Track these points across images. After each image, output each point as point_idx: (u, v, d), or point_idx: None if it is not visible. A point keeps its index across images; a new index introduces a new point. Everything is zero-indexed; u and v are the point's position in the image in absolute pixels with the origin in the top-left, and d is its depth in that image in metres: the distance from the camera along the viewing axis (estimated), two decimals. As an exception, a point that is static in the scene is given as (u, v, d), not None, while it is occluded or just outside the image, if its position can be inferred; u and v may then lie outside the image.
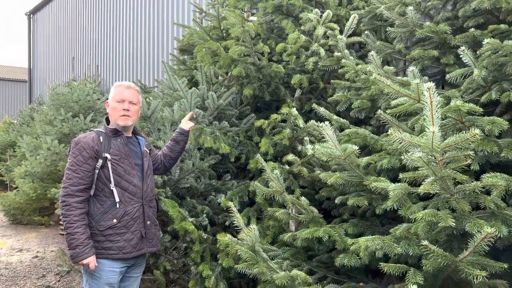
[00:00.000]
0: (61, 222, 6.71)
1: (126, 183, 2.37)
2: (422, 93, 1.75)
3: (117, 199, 2.33)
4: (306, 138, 2.97)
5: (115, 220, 2.32)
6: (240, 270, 2.23)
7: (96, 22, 11.81)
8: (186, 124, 2.85)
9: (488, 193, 1.82)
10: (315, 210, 2.47)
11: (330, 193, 2.65)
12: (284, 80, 3.78)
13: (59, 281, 4.59)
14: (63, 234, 6.60)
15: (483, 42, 2.29)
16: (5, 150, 10.80)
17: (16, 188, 7.83)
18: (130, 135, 2.56)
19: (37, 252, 5.75)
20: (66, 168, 2.33)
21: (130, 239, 2.35)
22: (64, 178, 2.33)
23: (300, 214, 2.53)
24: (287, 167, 3.03)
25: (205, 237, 3.02)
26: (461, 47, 2.33)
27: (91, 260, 2.25)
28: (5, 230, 7.09)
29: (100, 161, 2.34)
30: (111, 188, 2.33)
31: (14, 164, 8.45)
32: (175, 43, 6.62)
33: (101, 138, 2.39)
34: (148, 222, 2.44)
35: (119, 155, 2.39)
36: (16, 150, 8.93)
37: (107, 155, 2.35)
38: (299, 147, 3.15)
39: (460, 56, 2.35)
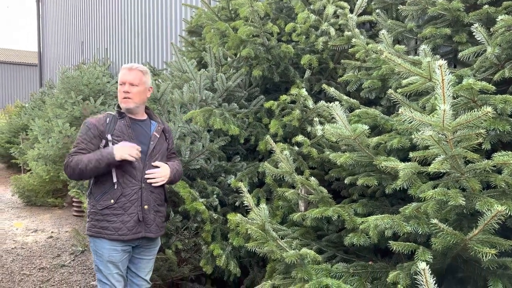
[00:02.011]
0: (74, 204, 6.84)
1: (126, 165, 2.39)
2: (434, 71, 1.73)
3: (114, 180, 2.37)
4: (316, 119, 2.96)
5: (112, 201, 2.36)
6: (250, 249, 2.26)
7: (104, 5, 11.75)
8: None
9: (499, 172, 1.80)
10: (325, 190, 2.48)
11: (340, 174, 2.66)
12: (293, 60, 3.74)
13: (73, 260, 4.70)
14: (76, 215, 6.75)
15: (497, 19, 2.24)
16: (17, 133, 10.96)
17: (29, 170, 7.97)
18: (143, 117, 2.57)
19: (52, 232, 5.88)
20: (73, 146, 2.44)
21: (126, 221, 2.37)
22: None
23: (309, 194, 2.55)
24: (296, 148, 3.03)
25: (215, 217, 3.05)
26: (474, 25, 2.28)
27: (121, 144, 2.35)
28: (20, 212, 7.25)
29: (104, 142, 2.41)
30: (111, 168, 2.37)
31: (27, 147, 8.58)
32: (184, 25, 6.58)
33: (107, 119, 2.46)
34: (146, 207, 2.42)
35: (121, 137, 2.42)
36: (28, 133, 9.06)
37: (108, 135, 2.40)
38: (309, 128, 3.14)
39: (473, 33, 2.31)
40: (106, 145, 2.40)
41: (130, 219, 2.38)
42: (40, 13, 16.66)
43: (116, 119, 2.47)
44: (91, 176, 2.40)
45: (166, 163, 2.56)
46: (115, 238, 2.36)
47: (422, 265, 1.35)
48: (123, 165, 2.38)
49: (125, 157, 2.30)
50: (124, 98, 2.45)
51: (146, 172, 2.45)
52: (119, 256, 2.40)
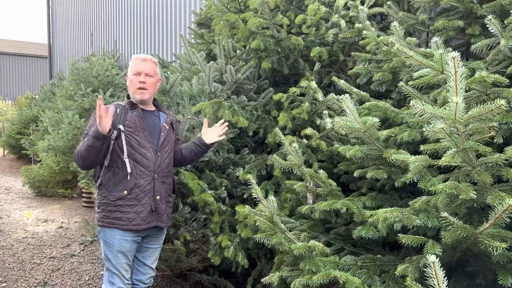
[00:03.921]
0: (83, 195, 6.91)
1: (139, 155, 2.40)
2: (447, 63, 1.71)
3: (128, 170, 2.37)
4: (325, 112, 2.95)
5: (125, 192, 2.37)
6: (258, 241, 2.27)
7: (113, -4, 11.76)
8: (208, 136, 2.71)
9: (511, 165, 1.78)
10: (334, 183, 2.47)
11: (349, 167, 2.65)
12: (303, 53, 3.72)
13: (83, 250, 4.76)
14: (86, 206, 6.82)
15: (511, 12, 2.20)
16: (28, 125, 11.08)
17: (39, 161, 8.06)
18: (152, 109, 2.58)
19: (62, 222, 5.96)
20: (83, 136, 2.40)
21: (140, 212, 2.39)
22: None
23: (318, 187, 2.54)
24: (305, 141, 3.02)
25: (224, 209, 3.07)
26: (488, 17, 2.24)
27: (100, 120, 2.19)
28: (30, 202, 7.35)
29: (115, 132, 2.37)
30: (124, 159, 2.37)
31: (37, 138, 8.66)
32: (193, 17, 6.57)
33: (118, 110, 2.42)
34: (158, 197, 2.45)
35: (133, 127, 2.41)
36: (38, 125, 9.14)
37: (120, 126, 2.38)
38: (318, 121, 3.13)
39: (487, 25, 2.27)
40: (118, 136, 2.38)
41: (143, 210, 2.40)
42: (50, 5, 16.74)
43: (126, 110, 2.46)
44: (93, 159, 2.33)
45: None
46: (129, 229, 2.38)
47: (432, 258, 1.34)
48: (135, 156, 2.39)
49: (99, 121, 2.17)
50: (139, 88, 2.45)
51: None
52: (129, 246, 2.43)
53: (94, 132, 2.23)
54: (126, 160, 2.37)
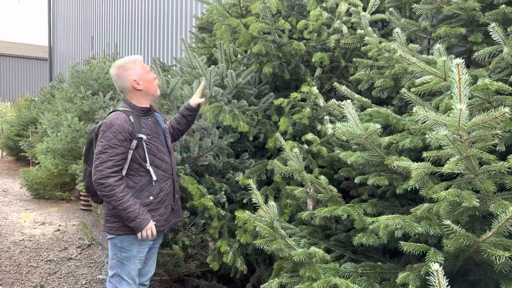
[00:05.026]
0: (81, 198, 6.88)
1: (159, 161, 2.40)
2: (451, 70, 1.70)
3: (154, 178, 2.35)
4: (326, 118, 2.94)
5: (151, 197, 2.35)
6: (258, 247, 2.25)
7: (114, 0, 11.79)
8: (194, 99, 2.80)
9: (514, 174, 1.77)
10: (334, 189, 2.46)
11: (349, 173, 2.63)
12: (304, 58, 3.72)
13: (80, 253, 4.73)
14: (83, 209, 6.78)
15: (515, 19, 2.20)
16: (27, 127, 11.05)
17: (38, 163, 8.03)
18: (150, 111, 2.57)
19: (59, 225, 5.92)
20: (99, 152, 2.25)
21: (163, 213, 2.42)
22: (96, 162, 2.25)
23: (318, 193, 2.53)
24: (305, 146, 3.01)
25: (223, 213, 3.05)
26: (491, 24, 2.24)
27: (153, 224, 2.32)
28: (28, 204, 7.31)
29: (135, 142, 2.30)
30: (148, 168, 2.34)
31: (36, 140, 8.64)
32: (194, 21, 6.57)
33: (131, 118, 2.32)
34: (177, 196, 2.53)
35: (151, 134, 2.38)
36: (37, 127, 9.12)
37: (142, 135, 2.32)
38: (319, 127, 3.12)
39: (490, 33, 2.27)
40: (138, 145, 2.31)
41: (166, 211, 2.44)
42: (51, 8, 16.77)
43: (136, 116, 2.36)
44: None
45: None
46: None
47: (435, 266, 1.33)
48: (156, 162, 2.38)
49: (144, 235, 2.29)
50: (156, 85, 2.46)
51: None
52: (146, 250, 2.45)
53: (136, 226, 2.26)
54: (150, 168, 2.35)
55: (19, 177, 7.89)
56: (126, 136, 2.27)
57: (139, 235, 2.29)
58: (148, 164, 2.34)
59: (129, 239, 2.37)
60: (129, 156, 2.30)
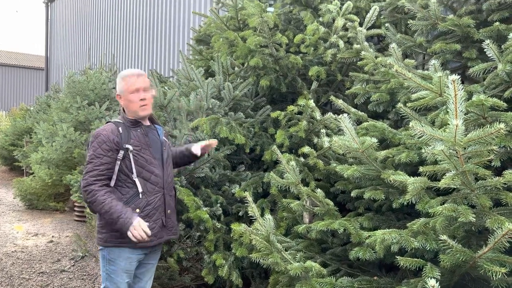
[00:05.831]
0: (75, 209, 6.82)
1: (147, 173, 2.37)
2: (446, 86, 1.72)
3: (140, 190, 2.32)
4: (323, 131, 2.96)
5: (138, 210, 2.31)
6: (254, 260, 2.23)
7: (112, 11, 11.86)
8: (197, 147, 2.72)
9: (510, 189, 1.78)
10: (331, 203, 2.46)
11: (346, 187, 2.64)
12: (301, 72, 3.75)
13: (73, 265, 4.67)
14: (77, 220, 6.72)
15: (508, 36, 2.24)
16: (21, 136, 10.99)
17: (32, 173, 7.96)
18: (148, 123, 2.56)
19: (52, 237, 5.85)
20: (86, 162, 2.31)
21: (152, 228, 2.33)
22: (84, 172, 2.31)
23: (315, 206, 2.53)
24: (302, 159, 3.02)
25: (219, 226, 3.03)
26: (485, 41, 2.28)
27: (139, 220, 2.23)
28: (21, 215, 7.23)
29: (122, 152, 2.31)
30: (134, 179, 2.32)
31: (30, 150, 8.58)
32: (191, 33, 6.62)
33: (120, 129, 2.35)
34: (169, 211, 2.45)
35: (139, 146, 2.37)
36: (32, 137, 9.08)
37: (128, 146, 2.32)
38: (315, 140, 3.13)
39: (484, 50, 2.31)
40: (125, 156, 2.31)
41: (155, 225, 2.36)
42: (49, 18, 16.83)
43: (128, 127, 2.38)
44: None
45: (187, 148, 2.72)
46: (141, 246, 2.33)
47: (431, 282, 1.33)
48: (144, 174, 2.36)
49: (135, 235, 2.21)
50: (142, 106, 2.39)
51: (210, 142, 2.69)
52: (135, 264, 2.40)
53: (124, 226, 2.21)
54: (137, 180, 2.33)
55: (12, 187, 7.82)
56: (111, 146, 2.29)
57: (130, 236, 2.21)
58: (134, 176, 2.32)
59: (117, 251, 2.34)
60: (117, 167, 2.31)
